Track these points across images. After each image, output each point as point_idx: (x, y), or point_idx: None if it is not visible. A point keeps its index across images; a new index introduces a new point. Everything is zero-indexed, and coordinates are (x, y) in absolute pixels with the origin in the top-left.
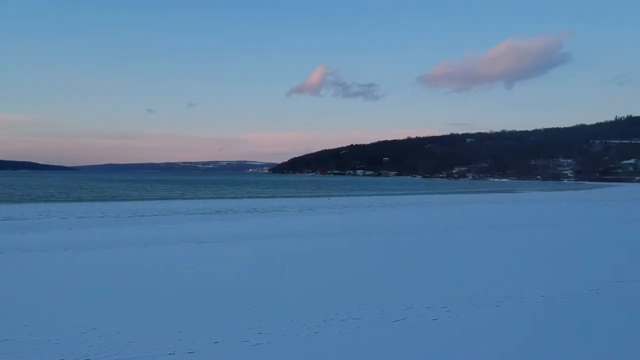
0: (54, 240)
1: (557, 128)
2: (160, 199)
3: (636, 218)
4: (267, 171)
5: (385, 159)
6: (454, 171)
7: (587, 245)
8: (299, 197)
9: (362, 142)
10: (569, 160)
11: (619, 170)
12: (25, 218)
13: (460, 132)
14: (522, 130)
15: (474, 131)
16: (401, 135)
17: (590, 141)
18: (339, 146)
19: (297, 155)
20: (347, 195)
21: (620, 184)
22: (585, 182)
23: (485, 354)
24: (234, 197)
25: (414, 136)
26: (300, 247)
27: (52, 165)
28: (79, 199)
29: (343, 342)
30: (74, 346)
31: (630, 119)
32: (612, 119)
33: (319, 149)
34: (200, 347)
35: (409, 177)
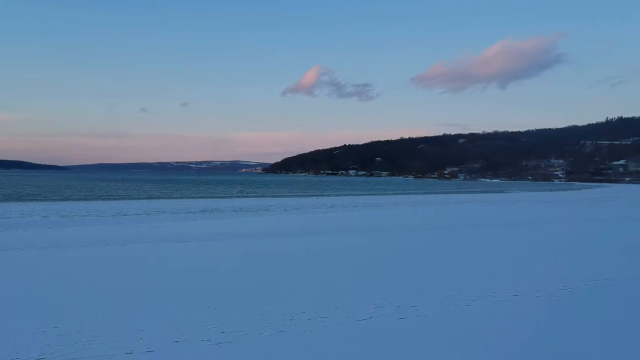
0: (32, 238)
1: (549, 129)
2: (147, 198)
3: (615, 217)
4: (260, 171)
5: (378, 159)
6: (446, 171)
7: (564, 245)
8: (288, 197)
9: (355, 143)
10: (560, 161)
11: (609, 171)
12: (8, 217)
13: (452, 133)
14: (514, 131)
15: (466, 132)
16: (395, 136)
17: (582, 142)
18: (333, 146)
19: (290, 155)
20: (336, 195)
21: (610, 184)
22: (576, 183)
23: (448, 353)
24: (222, 197)
25: (407, 137)
26: (277, 247)
27: (44, 165)
28: (65, 198)
29: (306, 341)
30: (30, 345)
31: (621, 120)
32: (603, 120)
33: (313, 149)
34: (160, 346)
35: (401, 177)
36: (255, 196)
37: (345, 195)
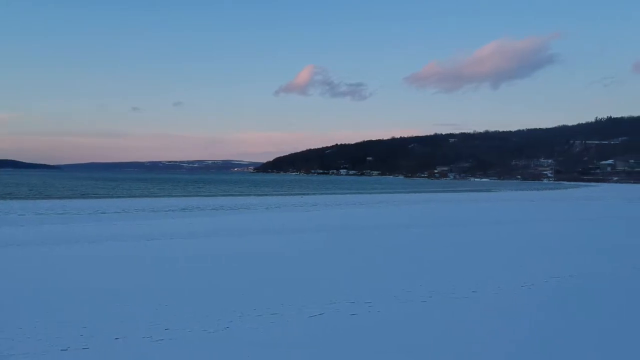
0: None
1: (540, 128)
2: (130, 197)
3: (596, 217)
4: (252, 170)
5: (369, 158)
6: (436, 171)
7: (536, 243)
8: (272, 195)
9: (347, 142)
10: (550, 161)
11: (598, 171)
12: None
13: (444, 132)
14: (505, 130)
15: (458, 131)
16: (388, 135)
17: (571, 142)
18: (325, 146)
19: (282, 155)
20: (321, 194)
21: (598, 184)
22: (564, 182)
23: (395, 349)
24: (206, 195)
25: (399, 136)
26: (245, 245)
27: (36, 164)
28: (47, 196)
29: (250, 338)
30: None
31: (610, 120)
32: (593, 120)
33: (305, 149)
34: (98, 343)
35: (391, 176)
36: (240, 195)
37: (330, 194)
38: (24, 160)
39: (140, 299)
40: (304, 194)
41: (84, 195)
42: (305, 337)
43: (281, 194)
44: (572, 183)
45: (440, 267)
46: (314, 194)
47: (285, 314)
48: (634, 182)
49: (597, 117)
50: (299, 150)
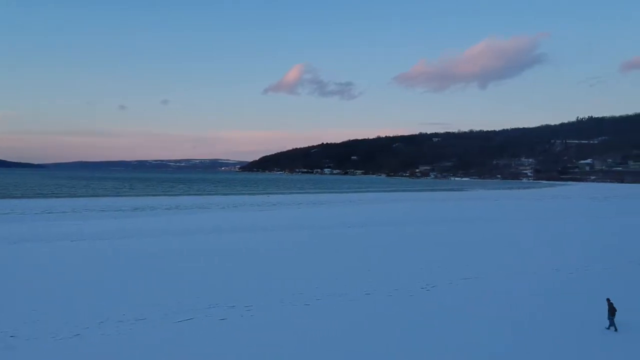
0: None
1: (523, 128)
2: (91, 196)
3: (537, 217)
4: (237, 170)
5: (354, 157)
6: (417, 170)
7: (451, 244)
8: (239, 194)
9: (333, 141)
10: (531, 160)
11: (576, 170)
12: None
13: (430, 132)
14: (489, 130)
15: (444, 131)
16: (374, 135)
17: (552, 141)
18: (311, 145)
19: (269, 154)
20: (290, 193)
21: (575, 183)
22: (542, 182)
23: (262, 352)
24: (168, 195)
25: (385, 135)
26: (163, 245)
27: (19, 163)
28: (3, 196)
29: (96, 346)
30: None
31: (591, 120)
32: (574, 119)
33: (292, 148)
34: None
35: (374, 176)
36: (205, 194)
37: (300, 193)
38: (7, 160)
39: (5, 305)
40: (271, 194)
41: (41, 195)
42: (165, 346)
43: (249, 194)
44: (549, 182)
45: (353, 268)
46: (282, 193)
47: (151, 319)
48: (610, 181)
49: (578, 117)
50: (286, 149)
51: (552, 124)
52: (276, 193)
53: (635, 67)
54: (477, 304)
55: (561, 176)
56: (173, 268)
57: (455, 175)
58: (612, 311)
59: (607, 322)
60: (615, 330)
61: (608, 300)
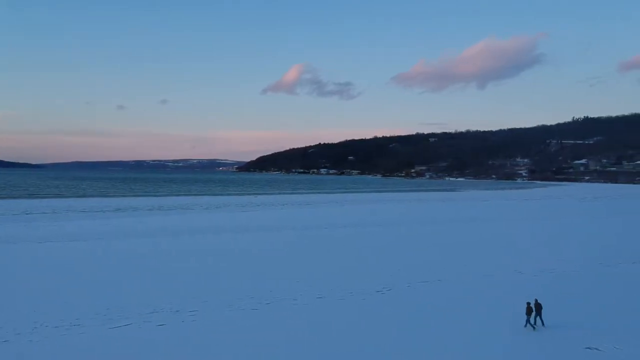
0: None
1: (520, 128)
2: (78, 196)
3: (521, 217)
4: (235, 170)
5: (351, 158)
6: (413, 170)
7: (422, 245)
8: (227, 195)
9: (331, 141)
10: (526, 160)
11: (571, 170)
12: None
13: (428, 132)
14: (486, 130)
15: (441, 131)
16: (372, 135)
17: (548, 141)
18: (308, 145)
19: (267, 154)
20: (278, 194)
21: (569, 183)
22: (536, 182)
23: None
24: (155, 195)
25: (382, 135)
26: (129, 246)
27: (18, 163)
28: None
29: (23, 353)
30: None
31: (587, 120)
32: (570, 119)
33: (290, 147)
34: None
35: (370, 176)
36: (193, 194)
37: (289, 193)
38: (5, 160)
39: None
40: (260, 194)
41: (24, 196)
42: (93, 352)
43: (237, 194)
44: (543, 182)
45: (315, 271)
46: (272, 194)
47: (87, 325)
48: (604, 182)
49: (574, 117)
50: (284, 149)
51: (549, 124)
52: (266, 194)
53: (635, 66)
54: (434, 307)
55: (556, 176)
56: (128, 271)
57: (450, 176)
58: (528, 311)
59: (538, 321)
60: (534, 328)
61: (528, 303)
